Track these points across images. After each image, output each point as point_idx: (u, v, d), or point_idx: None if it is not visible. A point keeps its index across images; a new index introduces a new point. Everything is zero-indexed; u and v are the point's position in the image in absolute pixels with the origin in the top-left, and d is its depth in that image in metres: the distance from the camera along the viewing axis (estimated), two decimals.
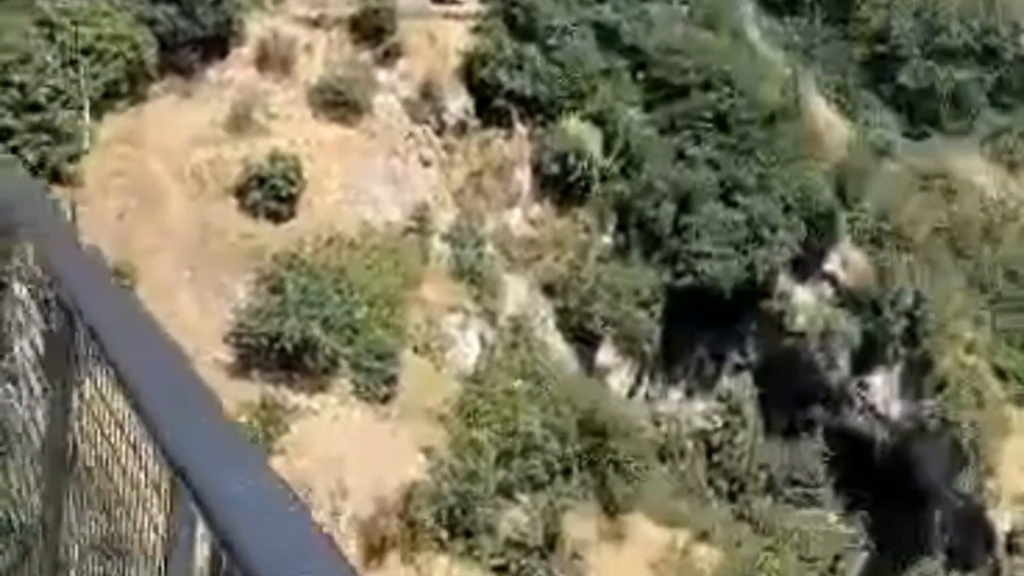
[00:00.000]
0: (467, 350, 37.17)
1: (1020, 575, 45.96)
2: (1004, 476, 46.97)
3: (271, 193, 36.67)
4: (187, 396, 3.17)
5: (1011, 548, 46.01)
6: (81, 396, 3.60)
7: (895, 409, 49.94)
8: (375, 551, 30.42)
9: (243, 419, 31.44)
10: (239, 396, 32.75)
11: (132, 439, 3.10)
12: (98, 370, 3.36)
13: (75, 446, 3.39)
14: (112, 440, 3.21)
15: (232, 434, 2.82)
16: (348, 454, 31.87)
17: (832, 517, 48.72)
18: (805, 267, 49.56)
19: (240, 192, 36.83)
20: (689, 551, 31.95)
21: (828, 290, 50.01)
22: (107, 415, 3.30)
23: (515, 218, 44.40)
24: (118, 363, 3.24)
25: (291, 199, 36.72)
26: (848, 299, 49.75)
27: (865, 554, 36.48)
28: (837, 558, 32.81)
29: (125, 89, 36.24)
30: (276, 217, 37.08)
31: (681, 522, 35.25)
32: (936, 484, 48.18)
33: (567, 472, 32.26)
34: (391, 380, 34.07)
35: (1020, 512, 46.38)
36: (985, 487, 46.99)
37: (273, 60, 39.65)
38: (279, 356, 32.92)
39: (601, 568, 31.16)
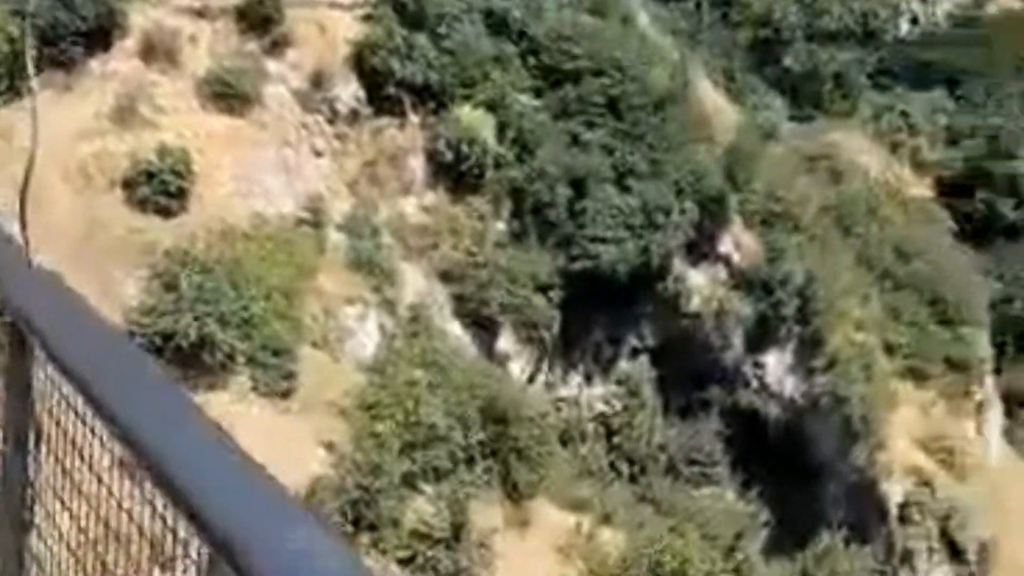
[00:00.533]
0: (366, 341, 36.91)
1: (912, 545, 47.09)
2: (894, 449, 48.06)
3: (160, 187, 36.00)
4: (190, 432, 2.87)
5: (903, 519, 47.11)
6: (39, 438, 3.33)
7: (788, 386, 50.78)
8: None
9: None
10: None
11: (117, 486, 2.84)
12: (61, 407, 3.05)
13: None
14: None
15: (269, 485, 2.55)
16: (248, 451, 31.47)
17: (731, 495, 49.42)
18: (698, 250, 50.11)
19: (128, 186, 36.10)
20: (594, 535, 32.12)
21: (721, 272, 50.63)
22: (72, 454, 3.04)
23: (410, 206, 44.17)
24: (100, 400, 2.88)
25: (181, 193, 36.08)
26: (741, 280, 50.43)
27: (765, 531, 37.06)
28: (738, 536, 33.27)
29: (3, 86, 35.25)
30: (166, 212, 36.42)
31: (585, 506, 35.43)
32: (829, 459, 49.14)
33: (470, 461, 32.23)
34: (290, 375, 33.70)
35: (911, 483, 47.50)
36: (877, 460, 48.03)
37: (158, 52, 38.89)
38: (175, 354, 32.34)
39: (508, 555, 31.18)
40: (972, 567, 46.93)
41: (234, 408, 33.03)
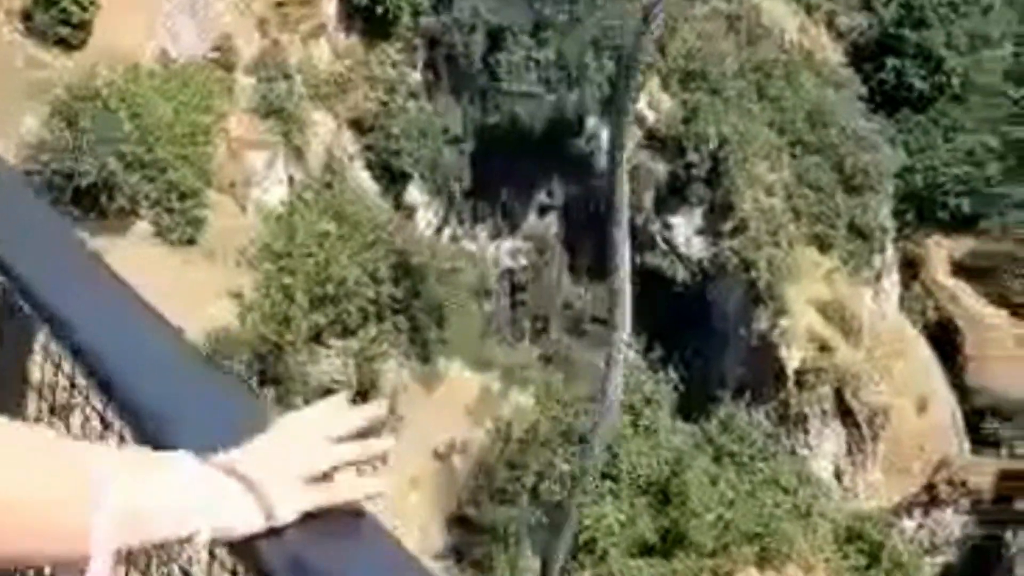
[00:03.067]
0: (274, 189, 35.91)
1: (806, 410, 47.97)
2: (796, 315, 48.57)
3: (60, 16, 34.19)
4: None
5: (799, 384, 47.88)
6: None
7: (696, 249, 50.87)
8: None
9: None
10: None
11: None
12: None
13: None
14: None
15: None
16: (151, 298, 30.57)
17: (633, 355, 49.79)
18: (613, 108, 49.42)
19: (26, 16, 34.23)
20: (504, 396, 32.02)
21: (636, 131, 50.07)
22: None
23: (322, 51, 42.75)
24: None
25: (83, 25, 34.32)
26: (654, 140, 49.99)
27: (674, 395, 37.41)
28: (647, 401, 33.46)
29: None
30: (66, 44, 34.67)
31: (492, 365, 35.27)
32: (732, 323, 49.56)
33: (380, 317, 31.74)
34: (195, 221, 32.67)
35: (810, 349, 48.16)
36: (777, 325, 48.53)
37: None
38: (74, 195, 31.10)
39: (416, 415, 30.95)
40: (863, 432, 48.03)
41: (136, 253, 32.02)
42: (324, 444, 2.03)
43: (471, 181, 47.98)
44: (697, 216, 50.72)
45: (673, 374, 41.27)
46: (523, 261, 51.15)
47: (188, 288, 31.32)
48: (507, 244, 51.88)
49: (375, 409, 2.16)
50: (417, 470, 31.20)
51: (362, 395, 29.78)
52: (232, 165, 35.34)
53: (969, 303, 54.77)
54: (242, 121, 37.04)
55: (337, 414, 2.12)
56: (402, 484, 30.87)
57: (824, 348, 47.88)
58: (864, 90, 59.42)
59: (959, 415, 51.81)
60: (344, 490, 2.02)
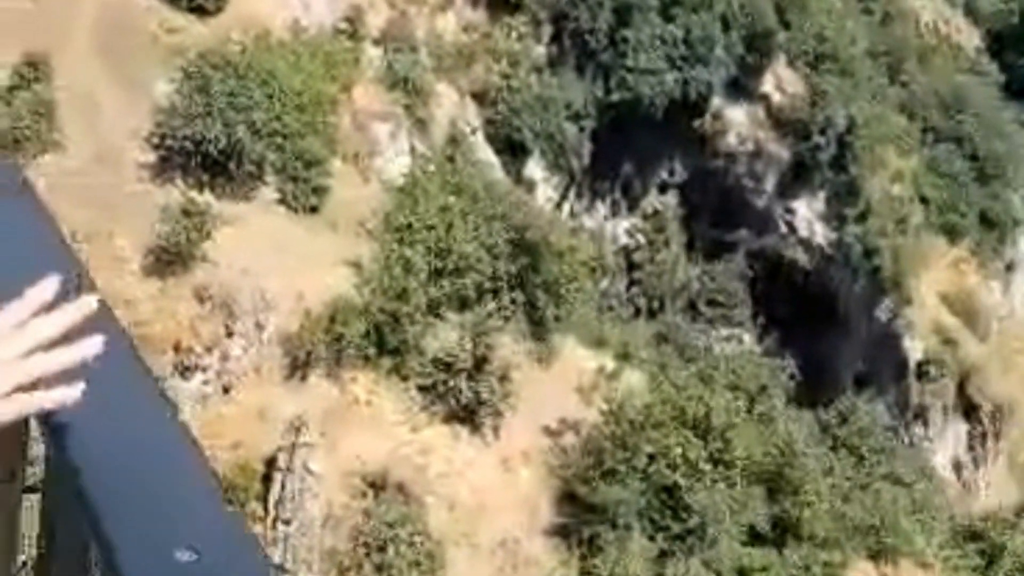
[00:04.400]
0: (397, 161, 36.04)
1: (927, 402, 46.94)
2: (921, 306, 47.51)
3: None
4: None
5: (921, 376, 46.86)
6: None
7: (818, 234, 49.99)
8: (299, 366, 29.83)
9: (164, 226, 30.30)
10: (160, 201, 31.52)
11: None
12: None
13: None
14: None
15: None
16: (272, 265, 30.94)
17: (748, 338, 49.19)
18: (739, 87, 48.72)
19: None
20: (619, 375, 31.78)
21: (760, 112, 49.32)
22: None
23: (449, 24, 42.75)
24: None
25: None
26: (780, 121, 49.16)
27: (791, 383, 36.79)
28: (763, 388, 32.96)
29: None
30: (201, 10, 35.13)
31: (607, 344, 35.04)
32: (854, 311, 48.64)
33: (496, 292, 31.71)
34: (319, 190, 32.94)
35: (933, 341, 47.10)
36: (901, 315, 47.54)
37: None
38: (203, 160, 31.56)
39: (528, 390, 30.92)
40: (985, 427, 46.85)
41: (260, 220, 32.46)
42: (14, 361, 1.95)
43: (591, 157, 47.68)
44: (821, 201, 49.82)
45: (791, 361, 40.66)
46: (641, 239, 50.74)
47: (308, 255, 31.66)
48: (625, 222, 51.50)
49: (82, 307, 2.05)
50: (528, 446, 31.18)
51: (477, 368, 29.83)
52: (357, 135, 35.55)
53: None
54: (367, 92, 37.22)
55: (39, 323, 1.99)
56: (514, 458, 30.91)
57: (948, 340, 46.78)
58: (1002, 78, 57.81)
59: None
60: (32, 402, 1.96)
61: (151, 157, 32.48)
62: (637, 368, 33.73)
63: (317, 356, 29.58)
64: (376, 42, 38.37)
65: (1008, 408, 46.99)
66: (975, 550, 33.45)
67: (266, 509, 27.79)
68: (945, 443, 46.96)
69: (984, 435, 47.01)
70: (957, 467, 46.76)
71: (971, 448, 47.06)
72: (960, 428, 47.06)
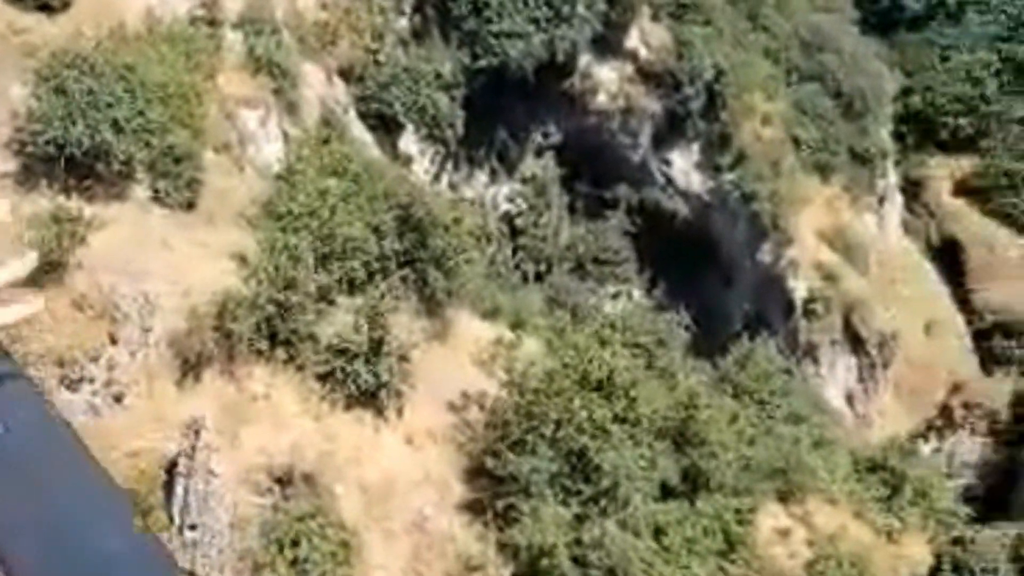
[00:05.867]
0: (270, 147, 35.25)
1: (816, 339, 47.73)
2: (801, 245, 48.20)
3: None
4: None
5: (808, 313, 47.61)
6: None
7: (695, 184, 50.40)
8: (190, 366, 29.02)
9: (33, 235, 29.15)
10: (28, 210, 30.34)
11: None
12: None
13: None
14: None
15: None
16: (153, 266, 30.00)
17: (638, 295, 49.46)
18: (606, 44, 48.74)
19: None
20: (517, 344, 31.58)
21: (629, 67, 49.42)
22: None
23: (308, 2, 41.90)
24: None
25: None
26: (649, 75, 49.32)
27: (686, 334, 37.02)
28: (661, 342, 33.08)
29: None
30: (47, 8, 33.84)
31: (500, 313, 34.83)
32: (737, 256, 49.17)
33: (386, 272, 31.22)
34: (192, 183, 32.03)
35: (816, 278, 47.85)
36: (783, 256, 48.18)
37: None
38: (68, 164, 30.43)
39: (427, 368, 30.55)
40: (874, 358, 47.83)
41: (135, 220, 31.46)
42: None
43: (465, 126, 47.34)
44: (695, 151, 50.20)
45: (683, 312, 40.91)
46: (522, 204, 50.63)
47: (189, 252, 30.79)
48: (505, 188, 51.34)
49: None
50: (433, 423, 30.84)
51: (374, 352, 29.35)
52: (226, 124, 34.65)
53: (973, 223, 54.44)
54: (232, 78, 36.28)
55: None
56: (420, 438, 30.54)
57: (830, 277, 47.58)
58: (856, 13, 58.72)
59: (967, 336, 51.65)
60: None
61: (12, 166, 31.24)
62: (533, 335, 33.58)
63: (208, 355, 28.79)
64: (235, 26, 37.41)
65: (893, 338, 48.05)
66: (878, 480, 34.05)
67: (171, 516, 27.04)
68: (836, 377, 47.88)
69: (872, 366, 48.04)
70: (850, 400, 47.76)
71: (861, 380, 48.06)
72: (849, 361, 48.03)
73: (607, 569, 27.43)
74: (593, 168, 50.34)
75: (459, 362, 31.64)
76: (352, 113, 41.71)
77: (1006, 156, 54.61)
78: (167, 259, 30.32)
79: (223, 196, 32.72)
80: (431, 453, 30.35)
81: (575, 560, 27.99)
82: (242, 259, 30.03)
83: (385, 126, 43.99)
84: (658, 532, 28.79)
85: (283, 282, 28.81)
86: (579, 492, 28.79)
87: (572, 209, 51.08)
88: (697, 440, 30.05)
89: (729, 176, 49.05)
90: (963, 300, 52.48)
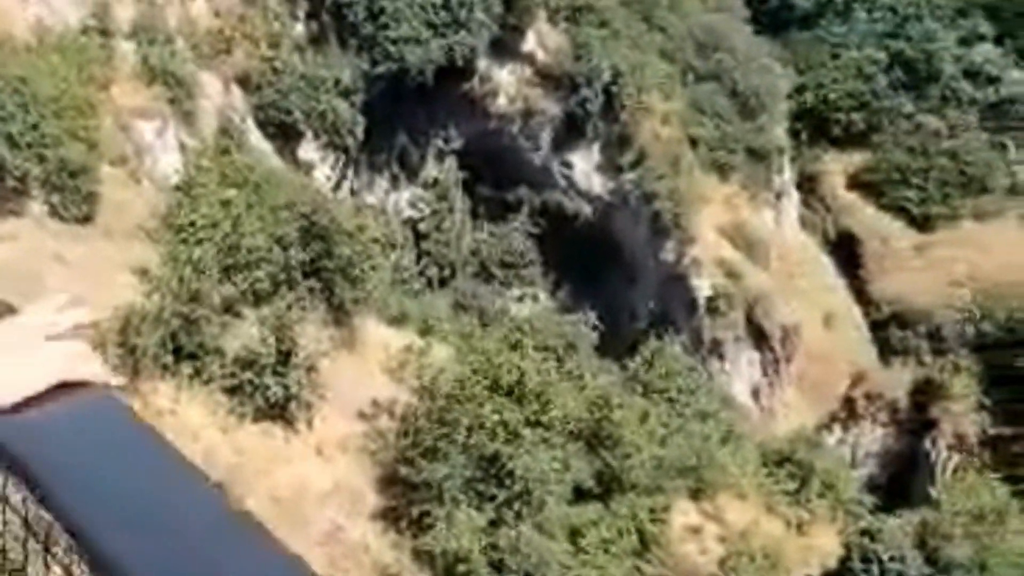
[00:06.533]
0: (167, 158, 34.71)
1: (720, 336, 48.25)
2: (702, 243, 48.69)
3: None
4: None
5: (711, 311, 48.10)
6: None
7: (597, 185, 50.64)
8: None
9: None
10: None
11: None
12: None
13: None
14: None
15: None
16: (51, 282, 29.37)
17: (543, 298, 49.59)
18: (503, 48, 48.77)
19: None
20: (426, 351, 31.46)
21: (527, 70, 49.51)
22: None
23: (201, 10, 41.32)
24: None
25: None
26: (547, 78, 49.45)
27: (593, 335, 37.16)
28: (570, 345, 33.18)
29: None
30: None
31: (408, 319, 34.68)
32: (640, 256, 49.51)
33: (291, 282, 30.90)
34: (89, 197, 31.43)
35: (719, 275, 48.36)
36: (685, 254, 48.62)
37: None
38: None
39: (337, 377, 30.31)
40: (777, 352, 48.49)
41: (31, 236, 30.78)
42: None
43: (365, 132, 47.05)
44: (595, 151, 50.41)
45: (589, 313, 41.16)
46: (425, 209, 50.45)
47: (89, 267, 30.19)
48: (407, 193, 51.11)
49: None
50: (344, 433, 30.62)
51: (282, 363, 29.05)
52: (121, 136, 34.05)
53: (867, 216, 55.44)
54: (126, 89, 35.68)
55: None
56: (331, 448, 30.30)
57: (732, 273, 48.10)
58: (747, 12, 59.47)
59: (865, 327, 52.56)
60: None
61: None
62: (442, 341, 33.50)
63: (112, 371, 28.27)
64: (128, 36, 36.78)
65: (795, 331, 48.74)
66: (786, 474, 34.53)
67: None
68: (741, 372, 48.43)
69: (776, 360, 48.67)
70: (755, 394, 48.33)
71: (765, 374, 48.67)
72: (753, 356, 48.60)
73: (524, 573, 27.47)
74: (495, 171, 50.36)
75: (368, 370, 31.44)
76: (250, 122, 41.22)
77: (897, 150, 55.71)
78: (65, 274, 29.70)
79: (121, 209, 32.16)
80: (342, 463, 30.14)
81: (492, 565, 27.99)
82: (143, 273, 29.53)
83: (284, 134, 43.54)
84: (573, 534, 28.89)
85: (187, 295, 28.39)
86: (493, 497, 28.80)
87: (475, 213, 51.02)
88: (609, 441, 30.21)
89: (630, 176, 49.36)
90: (860, 292, 53.38)
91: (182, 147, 35.94)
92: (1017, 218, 53.87)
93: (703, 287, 48.04)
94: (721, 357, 47.98)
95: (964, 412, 47.56)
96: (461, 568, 28.25)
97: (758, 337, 48.45)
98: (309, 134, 44.84)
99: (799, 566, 31.89)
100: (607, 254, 49.55)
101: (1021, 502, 38.01)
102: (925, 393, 48.72)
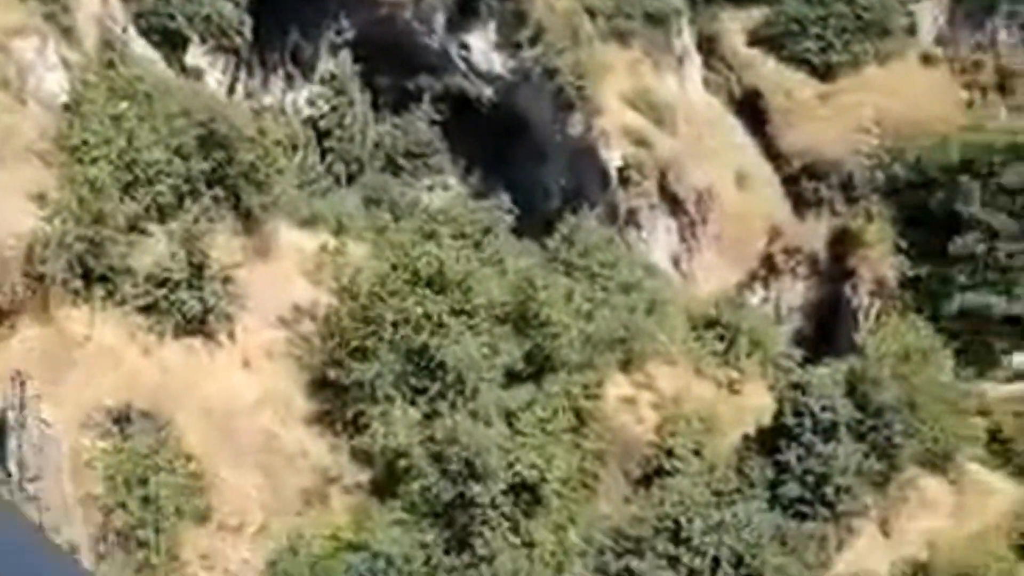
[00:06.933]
0: (52, 77, 33.30)
1: (635, 204, 48.04)
2: (610, 113, 48.21)
3: None
4: None
5: (624, 181, 47.81)
6: None
7: (497, 64, 49.76)
8: (3, 316, 27.59)
9: None
10: None
11: None
12: None
13: None
14: None
15: None
16: None
17: (454, 184, 48.93)
18: None
19: None
20: (342, 251, 30.84)
21: None
22: None
23: None
24: None
25: None
26: None
27: (509, 217, 36.67)
28: (487, 230, 32.69)
29: None
30: None
31: (320, 220, 33.93)
32: (548, 133, 48.94)
33: (195, 193, 30.01)
34: None
35: (628, 145, 47.99)
36: (593, 126, 48.14)
37: None
38: None
39: (254, 287, 29.66)
40: (692, 216, 48.44)
41: None
42: None
43: (253, 33, 45.68)
44: (492, 31, 49.41)
45: (503, 196, 40.67)
46: (324, 106, 49.30)
47: None
48: (304, 91, 49.84)
49: None
50: (267, 341, 30.09)
51: (196, 277, 28.32)
52: (1, 58, 32.58)
53: (769, 70, 55.14)
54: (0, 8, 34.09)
55: None
56: (256, 357, 29.77)
57: (642, 141, 47.74)
58: None
59: (777, 183, 52.60)
60: None
61: None
62: (357, 239, 32.88)
63: (21, 302, 27.39)
64: None
65: (708, 193, 48.66)
66: (713, 336, 34.60)
67: (8, 471, 25.87)
68: (659, 240, 48.37)
69: (692, 224, 48.63)
70: (676, 261, 48.33)
71: (683, 239, 48.64)
72: (670, 223, 48.51)
73: (464, 461, 27.35)
74: (392, 61, 49.22)
75: (285, 275, 30.82)
76: (133, 31, 39.70)
77: (793, 2, 55.28)
78: None
79: (9, 133, 30.89)
80: (270, 371, 29.66)
81: (432, 457, 27.83)
82: (41, 197, 28.49)
83: (169, 41, 42.07)
84: (509, 417, 28.80)
85: (89, 217, 27.48)
86: (425, 390, 28.56)
87: (376, 105, 49.94)
88: (536, 322, 30.00)
89: (529, 53, 48.56)
90: (769, 148, 53.29)
91: (65, 64, 34.49)
92: (918, 58, 53.95)
93: (613, 158, 47.69)
94: (638, 226, 47.84)
95: (882, 257, 48.04)
96: (401, 464, 28.08)
97: (673, 203, 48.35)
98: (195, 39, 43.41)
99: (734, 426, 32.10)
100: (514, 134, 48.91)
101: (945, 338, 38.66)
102: (842, 242, 49.07)
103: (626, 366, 32.55)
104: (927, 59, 54.20)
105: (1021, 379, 47.85)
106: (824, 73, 54.33)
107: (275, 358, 29.63)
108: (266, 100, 48.08)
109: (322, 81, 49.48)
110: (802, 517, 30.59)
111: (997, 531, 31.40)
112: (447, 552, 27.19)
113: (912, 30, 54.78)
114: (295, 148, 44.94)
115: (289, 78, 49.68)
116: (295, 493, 28.08)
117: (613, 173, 47.77)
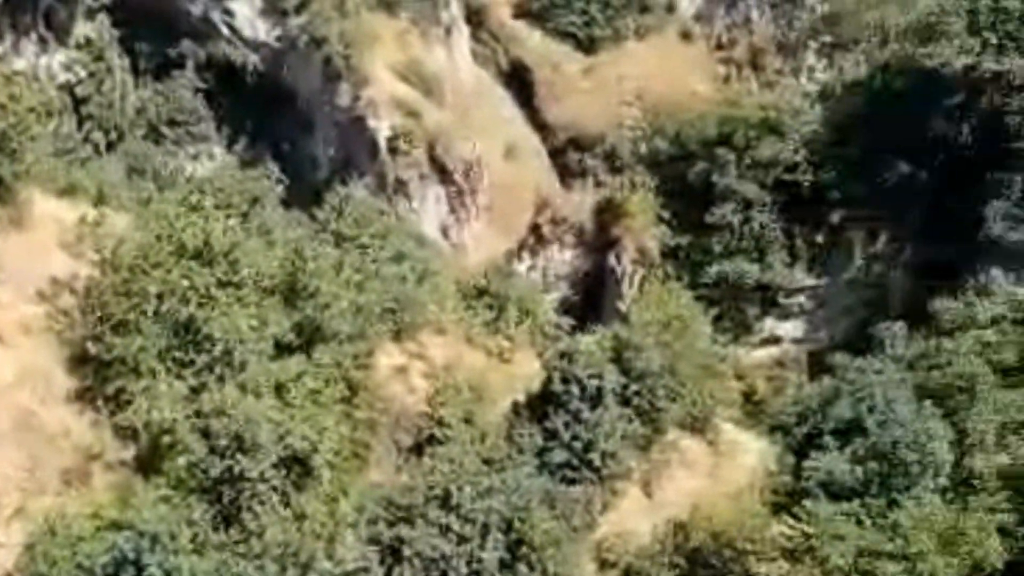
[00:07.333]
0: None
1: (404, 175, 48.11)
2: (379, 83, 48.03)
3: None
4: None
5: (393, 151, 47.82)
6: None
7: (262, 32, 48.94)
8: None
9: None
10: None
11: None
12: None
13: None
14: None
15: None
16: None
17: (219, 153, 48.00)
18: None
19: None
20: (102, 221, 29.82)
21: None
22: None
23: None
24: None
25: None
26: None
27: (279, 187, 36.12)
28: (254, 200, 32.10)
29: None
30: None
31: (79, 189, 32.72)
32: (315, 102, 48.44)
33: None
34: None
35: (398, 116, 47.98)
36: (362, 97, 47.89)
37: None
38: None
39: (9, 258, 28.38)
40: (461, 186, 48.82)
41: None
42: None
43: None
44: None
45: (271, 166, 40.05)
46: (81, 72, 47.53)
47: None
48: (59, 56, 47.92)
49: None
50: (23, 315, 28.88)
51: None
52: None
53: (536, 43, 55.84)
54: None
55: None
56: (11, 333, 28.58)
57: (411, 112, 47.72)
58: None
59: (544, 154, 53.43)
60: None
61: None
62: (119, 209, 31.86)
63: None
64: None
65: (477, 164, 49.12)
66: (483, 305, 34.99)
67: None
68: (428, 210, 48.60)
69: (461, 194, 49.02)
70: (444, 231, 48.65)
71: (452, 210, 48.99)
72: (439, 193, 48.78)
73: (233, 435, 26.91)
74: (152, 26, 47.79)
75: (43, 247, 29.63)
76: None
77: None
78: None
79: None
80: (27, 347, 28.50)
81: (199, 432, 27.29)
82: None
83: None
84: (279, 389, 28.47)
85: None
86: (192, 363, 27.95)
87: (136, 71, 48.47)
88: (306, 294, 29.71)
89: (296, 20, 47.91)
90: (536, 120, 54.07)
91: None
92: (676, 34, 55.54)
93: (382, 128, 47.63)
94: (408, 197, 47.95)
95: (644, 227, 49.44)
96: (166, 439, 27.45)
97: (442, 174, 48.63)
98: None
99: (504, 393, 32.55)
100: (281, 103, 48.28)
101: (703, 305, 40.07)
102: (607, 213, 50.27)
103: (397, 336, 32.61)
104: (686, 35, 55.88)
105: (772, 344, 50.16)
106: (588, 47, 55.40)
107: (33, 333, 28.49)
108: (18, 64, 45.99)
109: (78, 46, 47.69)
110: (569, 482, 31.32)
111: (751, 489, 32.79)
112: (215, 528, 26.73)
113: (671, 7, 56.38)
114: (50, 115, 43.17)
115: (42, 42, 47.69)
116: (55, 472, 27.12)
117: (382, 143, 47.68)
